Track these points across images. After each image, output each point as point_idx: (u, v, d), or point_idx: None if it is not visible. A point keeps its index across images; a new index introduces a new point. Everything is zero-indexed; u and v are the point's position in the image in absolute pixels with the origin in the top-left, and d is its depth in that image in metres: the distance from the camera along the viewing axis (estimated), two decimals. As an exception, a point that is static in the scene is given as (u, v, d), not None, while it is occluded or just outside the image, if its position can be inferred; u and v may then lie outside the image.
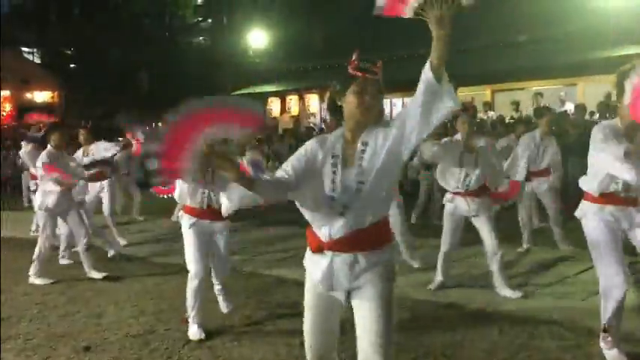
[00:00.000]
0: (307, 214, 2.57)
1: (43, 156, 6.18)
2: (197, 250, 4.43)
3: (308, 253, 2.65)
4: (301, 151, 2.59)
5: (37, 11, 28.10)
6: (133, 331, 4.63)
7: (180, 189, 4.46)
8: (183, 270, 6.61)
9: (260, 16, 22.08)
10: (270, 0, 22.63)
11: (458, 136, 5.34)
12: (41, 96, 24.69)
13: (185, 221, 4.51)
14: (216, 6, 27.73)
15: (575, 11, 13.70)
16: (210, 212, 4.46)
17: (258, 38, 21.97)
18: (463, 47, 15.31)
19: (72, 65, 29.73)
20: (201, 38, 30.92)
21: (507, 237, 7.20)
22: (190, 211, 4.49)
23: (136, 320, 4.91)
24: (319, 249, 2.54)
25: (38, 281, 6.20)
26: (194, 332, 4.42)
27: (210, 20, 29.71)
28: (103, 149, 7.37)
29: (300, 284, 5.63)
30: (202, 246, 4.46)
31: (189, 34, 30.22)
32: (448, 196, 5.43)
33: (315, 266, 2.58)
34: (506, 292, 5.19)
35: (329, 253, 2.51)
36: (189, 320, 4.48)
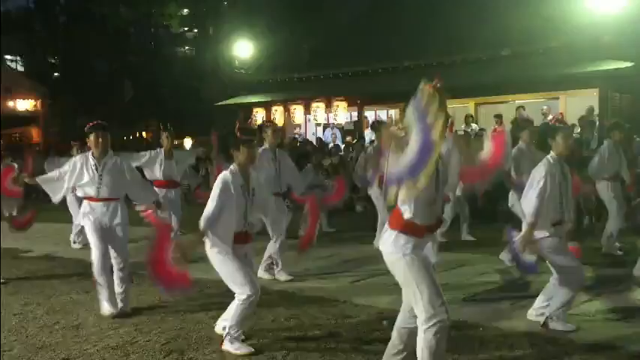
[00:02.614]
0: None
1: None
2: (241, 269, 4.36)
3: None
4: None
5: (22, 19, 27.93)
6: (113, 343, 4.58)
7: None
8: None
9: (246, 26, 22.07)
10: (256, 11, 22.66)
11: None
12: (24, 105, 24.48)
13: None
14: (202, 16, 27.72)
15: (558, 27, 13.88)
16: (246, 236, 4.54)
17: (243, 49, 21.96)
18: (447, 61, 15.46)
19: (56, 74, 29.55)
20: (186, 48, 30.87)
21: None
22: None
23: (116, 331, 4.86)
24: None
25: None
26: (242, 348, 4.31)
27: (195, 30, 29.68)
28: None
29: (283, 297, 5.66)
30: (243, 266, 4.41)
31: (174, 45, 30.16)
32: None
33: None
34: None
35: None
36: (231, 338, 4.33)
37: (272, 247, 6.55)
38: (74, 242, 8.77)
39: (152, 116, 27.95)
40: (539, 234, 4.59)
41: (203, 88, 25.10)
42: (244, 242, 4.51)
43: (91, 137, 5.36)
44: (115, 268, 5.44)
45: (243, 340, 4.39)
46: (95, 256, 5.34)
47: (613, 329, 4.60)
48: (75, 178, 5.40)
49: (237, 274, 4.32)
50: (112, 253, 5.43)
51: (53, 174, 5.60)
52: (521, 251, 4.59)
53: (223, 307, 4.90)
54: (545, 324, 4.61)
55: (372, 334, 4.63)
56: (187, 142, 23.42)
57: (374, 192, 7.94)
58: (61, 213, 9.01)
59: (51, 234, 9.88)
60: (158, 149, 8.07)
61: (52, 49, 29.21)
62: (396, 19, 17.06)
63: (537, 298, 4.88)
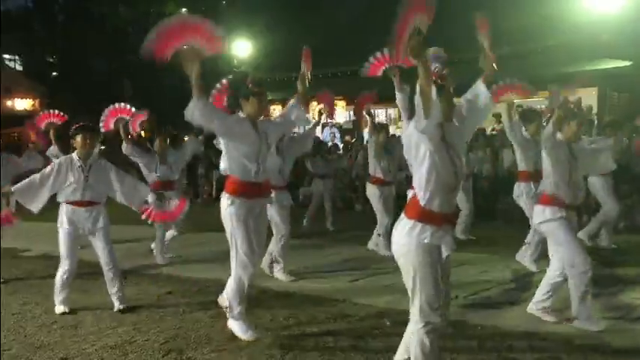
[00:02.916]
0: None
1: None
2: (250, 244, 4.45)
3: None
4: None
5: (21, 18, 27.87)
6: (111, 342, 4.58)
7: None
8: (160, 280, 6.65)
9: (244, 26, 22.05)
10: (254, 10, 22.63)
11: None
12: (22, 104, 24.45)
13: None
14: (201, 15, 27.66)
15: (556, 26, 13.89)
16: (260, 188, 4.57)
17: (242, 48, 21.97)
18: (446, 59, 15.45)
19: (54, 73, 29.50)
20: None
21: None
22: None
23: (114, 331, 4.85)
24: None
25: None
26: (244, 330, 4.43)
27: (194, 30, 29.65)
28: None
29: (282, 296, 5.66)
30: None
31: (173, 44, 30.10)
32: None
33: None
34: None
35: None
36: (233, 315, 4.49)
37: (274, 245, 6.51)
38: None
39: (151, 116, 27.91)
40: (552, 212, 4.62)
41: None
42: (259, 195, 4.50)
43: (78, 138, 5.33)
44: (104, 270, 5.45)
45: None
46: (62, 269, 5.39)
47: (612, 329, 4.60)
48: (59, 182, 5.30)
49: (241, 243, 4.38)
50: (101, 259, 5.45)
51: (33, 180, 5.31)
52: None
53: (221, 307, 4.90)
54: (571, 320, 4.59)
55: (371, 333, 4.63)
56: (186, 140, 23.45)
57: (370, 190, 7.91)
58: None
59: (49, 233, 9.82)
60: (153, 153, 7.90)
61: (50, 49, 29.15)
62: (395, 19, 17.02)
63: (537, 291, 4.87)
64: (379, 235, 7.68)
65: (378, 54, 5.58)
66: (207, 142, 8.51)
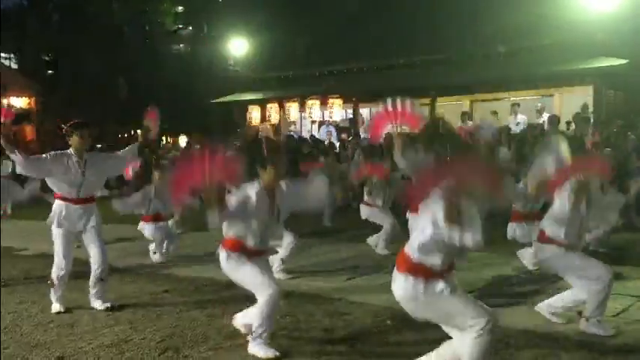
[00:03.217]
0: None
1: None
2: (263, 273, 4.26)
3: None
4: None
5: (16, 16, 27.77)
6: (108, 340, 4.57)
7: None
8: (157, 279, 6.64)
9: (241, 24, 22.02)
10: (250, 8, 22.61)
11: None
12: (17, 102, 24.34)
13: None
14: (197, 14, 27.66)
15: (552, 24, 13.91)
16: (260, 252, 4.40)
17: (238, 46, 21.94)
18: (443, 58, 15.48)
19: (50, 71, 29.41)
20: (181, 46, 30.79)
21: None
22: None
23: (111, 329, 4.84)
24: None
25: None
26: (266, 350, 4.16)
27: (190, 28, 29.61)
28: None
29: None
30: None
31: (169, 42, 30.06)
32: None
33: None
34: None
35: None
36: (259, 339, 4.18)
37: (284, 250, 6.44)
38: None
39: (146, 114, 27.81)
40: (551, 250, 4.56)
41: (197, 85, 25.04)
42: (258, 256, 4.33)
43: (75, 136, 5.33)
44: (92, 268, 5.42)
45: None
46: (57, 268, 5.37)
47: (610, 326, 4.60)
48: (57, 166, 5.26)
49: (254, 276, 4.21)
50: (91, 257, 5.43)
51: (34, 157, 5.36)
52: None
53: (218, 304, 4.91)
54: (585, 318, 4.53)
55: (367, 331, 4.63)
56: (182, 140, 23.42)
57: (364, 211, 7.92)
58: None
59: (46, 232, 9.80)
60: (147, 187, 7.81)
61: (45, 47, 29.06)
62: (392, 17, 17.06)
63: (555, 297, 4.79)
64: (384, 240, 7.75)
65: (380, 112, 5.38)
66: (204, 142, 8.51)
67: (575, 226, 4.53)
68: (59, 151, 5.43)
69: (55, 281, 5.41)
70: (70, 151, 5.38)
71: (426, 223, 3.28)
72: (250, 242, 4.25)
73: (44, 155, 5.36)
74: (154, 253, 7.67)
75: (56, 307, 5.41)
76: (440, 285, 3.32)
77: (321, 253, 7.83)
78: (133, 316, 5.18)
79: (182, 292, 6.06)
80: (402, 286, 3.37)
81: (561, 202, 4.56)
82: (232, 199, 4.09)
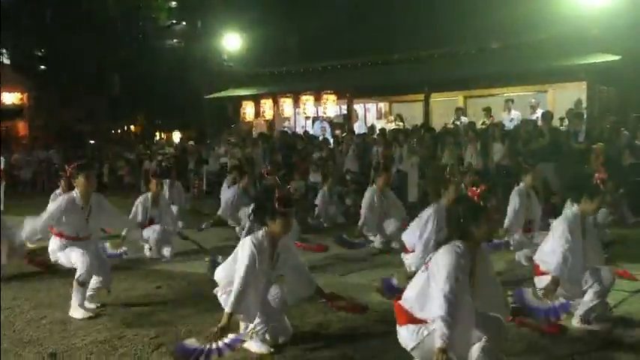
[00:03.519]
0: None
1: None
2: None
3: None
4: None
5: (8, 12, 27.59)
6: (101, 337, 4.56)
7: None
8: (150, 275, 6.63)
9: (234, 19, 21.94)
10: (244, 3, 22.53)
11: None
12: (10, 97, 24.21)
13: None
14: (190, 9, 27.54)
15: (546, 19, 13.91)
16: None
17: (232, 41, 21.87)
18: (437, 54, 15.48)
19: (42, 67, 29.26)
20: (174, 41, 30.66)
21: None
22: None
23: (104, 326, 4.84)
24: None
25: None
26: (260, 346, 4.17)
27: (184, 23, 29.49)
28: None
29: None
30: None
31: (162, 37, 29.96)
32: None
33: None
34: None
35: None
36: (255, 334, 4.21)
37: None
38: None
39: (141, 109, 27.83)
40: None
41: (191, 81, 24.97)
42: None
43: (81, 178, 5.27)
44: (93, 280, 5.33)
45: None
46: (82, 263, 5.13)
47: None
48: (65, 215, 5.27)
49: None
50: (95, 277, 5.32)
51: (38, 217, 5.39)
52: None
53: (212, 300, 4.88)
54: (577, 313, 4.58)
55: (360, 327, 4.65)
56: (176, 135, 23.38)
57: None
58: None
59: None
60: (144, 195, 7.79)
61: (38, 42, 28.89)
62: (386, 12, 17.04)
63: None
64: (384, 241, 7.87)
65: None
66: (197, 137, 8.50)
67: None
68: (66, 197, 5.37)
69: (83, 282, 5.17)
70: (76, 193, 5.32)
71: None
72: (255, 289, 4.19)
73: (55, 208, 5.30)
74: (150, 249, 7.64)
75: (81, 312, 5.11)
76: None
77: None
78: (126, 313, 5.17)
79: (175, 288, 6.05)
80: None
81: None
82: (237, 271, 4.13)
